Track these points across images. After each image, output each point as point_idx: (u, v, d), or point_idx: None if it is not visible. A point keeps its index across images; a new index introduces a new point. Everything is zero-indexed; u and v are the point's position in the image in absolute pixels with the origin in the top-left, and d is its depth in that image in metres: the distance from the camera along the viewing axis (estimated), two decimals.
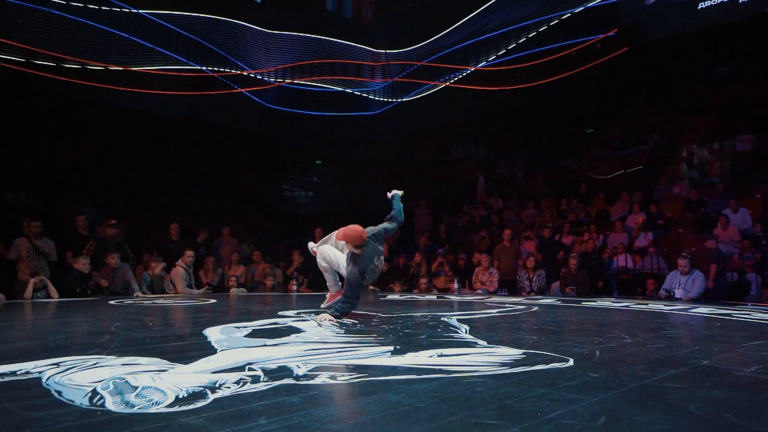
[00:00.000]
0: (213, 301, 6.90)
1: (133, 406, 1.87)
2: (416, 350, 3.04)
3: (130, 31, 14.96)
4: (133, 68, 15.16)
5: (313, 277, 10.04)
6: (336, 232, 4.81)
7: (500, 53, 18.01)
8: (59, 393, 2.04)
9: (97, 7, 14.29)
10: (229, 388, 2.13)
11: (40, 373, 2.38)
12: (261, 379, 2.28)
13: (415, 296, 8.28)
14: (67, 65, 14.16)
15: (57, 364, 2.56)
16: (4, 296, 6.66)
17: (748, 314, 5.26)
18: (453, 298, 7.99)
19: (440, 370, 2.50)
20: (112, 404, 1.89)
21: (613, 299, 7.44)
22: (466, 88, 18.52)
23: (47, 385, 2.17)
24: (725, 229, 10.00)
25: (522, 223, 13.36)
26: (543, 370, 2.50)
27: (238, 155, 17.20)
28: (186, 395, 2.01)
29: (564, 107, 18.02)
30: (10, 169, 11.87)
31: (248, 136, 18.20)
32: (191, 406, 1.86)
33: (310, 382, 2.25)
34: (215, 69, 16.83)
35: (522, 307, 6.10)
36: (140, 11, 14.96)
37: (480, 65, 18.30)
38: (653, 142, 15.23)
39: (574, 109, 18.44)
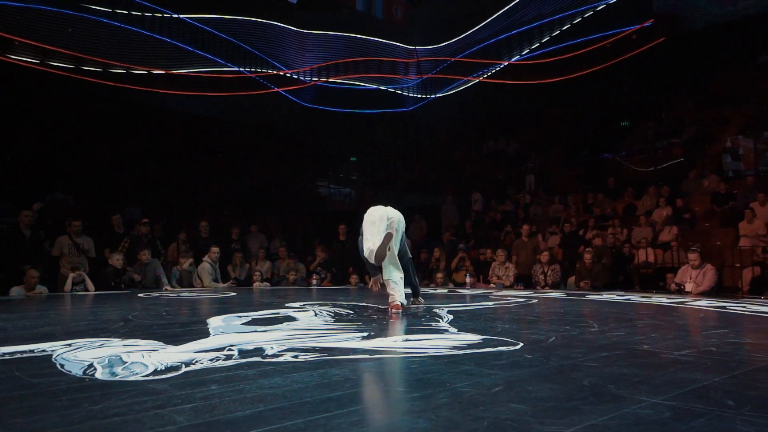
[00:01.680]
0: (234, 294, 7.38)
1: (116, 375, 2.27)
2: (386, 336, 3.36)
3: (172, 35, 15.65)
4: (174, 71, 15.86)
5: (335, 272, 10.47)
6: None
7: (533, 47, 17.94)
8: (62, 366, 2.47)
9: (140, 14, 15.05)
10: (202, 363, 2.51)
11: (53, 351, 2.82)
12: (233, 357, 2.65)
13: (428, 290, 8.56)
14: (112, 70, 14.96)
15: (69, 345, 3.01)
16: (47, 289, 7.31)
17: (744, 307, 5.34)
18: (464, 291, 8.25)
19: (393, 351, 2.81)
20: (100, 374, 2.29)
21: (618, 293, 7.54)
22: (499, 82, 18.53)
23: (55, 360, 2.60)
24: (751, 223, 9.86)
25: (548, 218, 13.42)
26: (485, 353, 2.78)
27: (274, 154, 17.78)
28: (163, 368, 2.40)
29: (598, 100, 17.87)
30: (59, 170, 12.71)
31: (285, 135, 18.76)
32: (163, 376, 2.24)
33: (273, 360, 2.60)
34: (253, 70, 17.37)
35: (522, 300, 6.31)
36: (181, 16, 15.62)
37: (513, 59, 18.28)
38: (687, 134, 15.01)
39: (609, 102, 18.25)
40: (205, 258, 8.95)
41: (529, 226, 10.91)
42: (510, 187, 16.05)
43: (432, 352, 2.77)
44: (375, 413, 1.69)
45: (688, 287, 7.39)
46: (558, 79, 16.84)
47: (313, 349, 2.90)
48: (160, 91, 15.55)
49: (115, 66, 14.91)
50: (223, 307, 5.37)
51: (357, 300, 6.48)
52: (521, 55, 18.08)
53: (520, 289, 8.86)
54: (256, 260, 10.20)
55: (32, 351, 2.85)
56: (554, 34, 17.41)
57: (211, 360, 2.58)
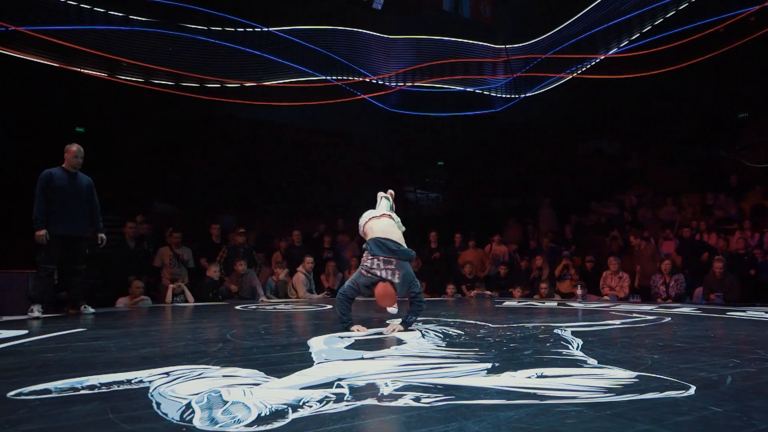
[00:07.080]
0: (329, 306, 7.11)
1: (216, 423, 1.94)
2: (515, 369, 2.86)
3: (262, 48, 15.95)
4: (266, 83, 16.15)
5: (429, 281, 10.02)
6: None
7: (634, 37, 16.64)
8: (158, 405, 2.18)
9: (233, 29, 15.46)
10: (311, 407, 2.14)
11: (150, 382, 2.58)
12: (345, 398, 2.27)
13: (534, 303, 7.90)
14: (208, 85, 15.46)
15: (167, 374, 2.75)
16: (150, 299, 7.40)
17: None
18: (576, 305, 7.51)
19: (534, 395, 2.31)
20: (198, 420, 1.97)
21: (763, 308, 6.53)
22: (596, 78, 17.35)
23: (151, 396, 2.33)
24: None
25: (660, 221, 12.26)
26: (654, 400, 2.22)
27: (361, 160, 17.68)
28: (268, 413, 2.05)
29: (711, 91, 16.31)
30: (160, 181, 13.24)
31: (371, 141, 18.63)
32: (268, 426, 1.89)
33: (392, 403, 2.19)
34: (339, 78, 17.37)
35: (652, 317, 5.55)
36: (270, 29, 15.89)
37: (610, 53, 17.04)
38: None
39: (724, 93, 16.61)
40: (300, 268, 8.80)
41: (647, 231, 9.91)
42: (613, 188, 14.93)
43: (584, 398, 2.25)
44: None
45: None
46: (662, 70, 15.47)
47: (435, 388, 2.47)
48: (251, 102, 15.88)
49: (211, 81, 15.40)
50: (322, 324, 5.07)
51: (461, 315, 6.00)
52: (619, 48, 16.82)
53: (637, 303, 7.98)
54: (349, 269, 9.95)
55: (129, 381, 2.62)
56: (657, 23, 16.04)
57: (320, 402, 2.21)
